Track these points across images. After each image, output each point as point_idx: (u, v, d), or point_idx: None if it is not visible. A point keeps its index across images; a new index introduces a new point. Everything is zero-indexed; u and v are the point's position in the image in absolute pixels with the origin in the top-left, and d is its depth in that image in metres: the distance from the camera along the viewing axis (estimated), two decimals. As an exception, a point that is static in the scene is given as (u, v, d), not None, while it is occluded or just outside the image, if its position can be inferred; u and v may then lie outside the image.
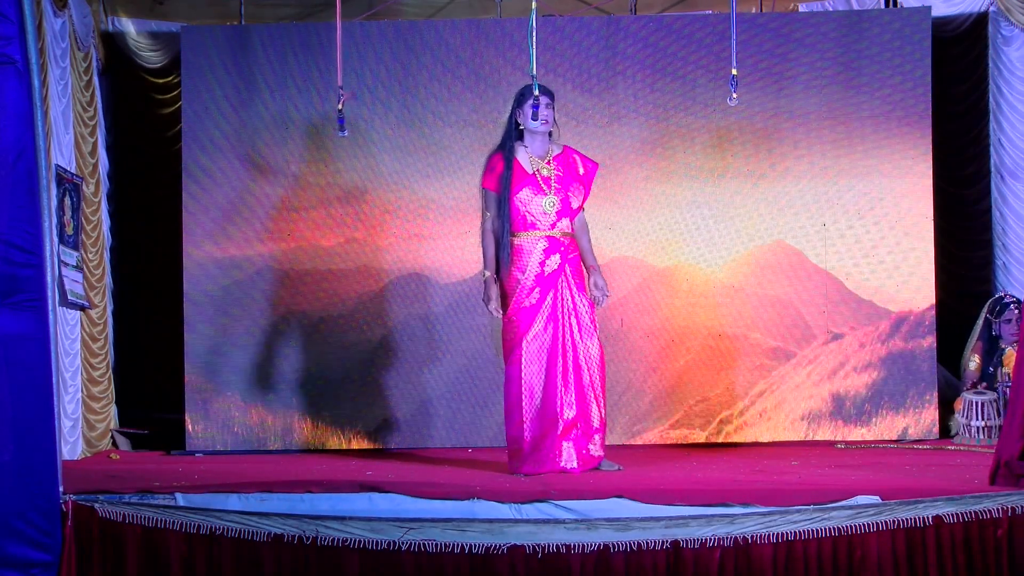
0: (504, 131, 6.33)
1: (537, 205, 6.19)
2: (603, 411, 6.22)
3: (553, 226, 6.20)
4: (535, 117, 6.09)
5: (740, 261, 7.95)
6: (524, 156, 6.25)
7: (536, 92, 5.93)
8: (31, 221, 4.80)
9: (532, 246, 6.19)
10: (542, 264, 6.18)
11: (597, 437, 6.19)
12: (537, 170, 6.22)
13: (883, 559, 4.72)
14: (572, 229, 6.27)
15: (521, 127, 6.26)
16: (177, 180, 8.01)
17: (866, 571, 4.71)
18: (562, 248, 6.22)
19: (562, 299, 6.17)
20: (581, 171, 6.32)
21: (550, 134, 6.29)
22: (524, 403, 6.13)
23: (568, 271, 6.21)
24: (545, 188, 6.19)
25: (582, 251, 6.32)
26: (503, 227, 6.21)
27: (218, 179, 7.97)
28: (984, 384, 7.61)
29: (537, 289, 6.17)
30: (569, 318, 6.17)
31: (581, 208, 6.33)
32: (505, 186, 6.20)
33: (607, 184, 7.91)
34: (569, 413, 6.10)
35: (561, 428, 6.09)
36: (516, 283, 6.18)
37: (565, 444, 6.09)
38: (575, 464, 6.07)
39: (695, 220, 7.95)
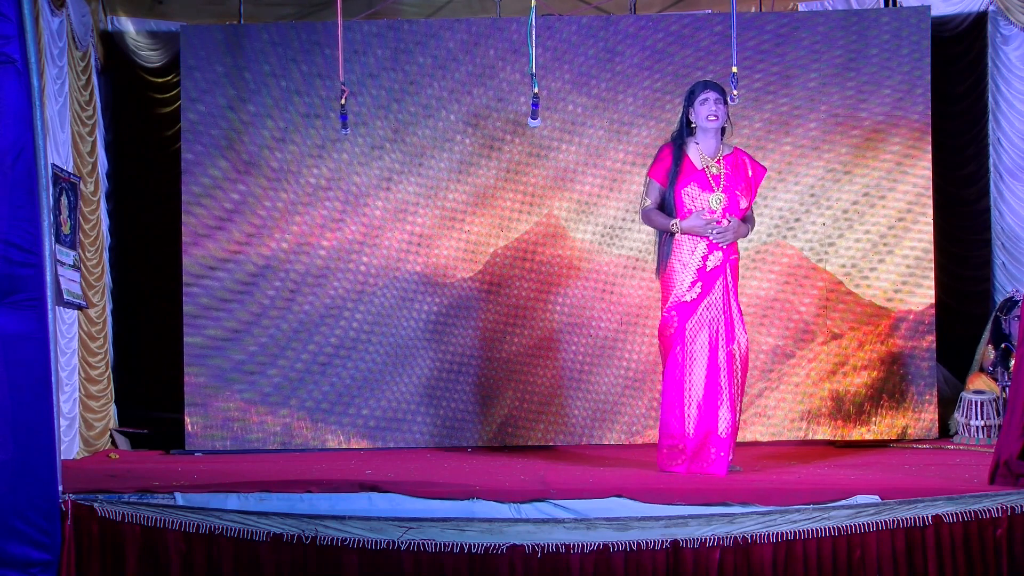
0: (676, 127, 6.27)
1: (704, 201, 6.14)
2: (739, 414, 6.17)
3: (719, 223, 6.13)
4: (534, 116, 5.99)
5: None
6: (695, 152, 6.21)
7: (536, 89, 5.89)
8: (30, 220, 4.79)
9: (695, 241, 6.13)
10: (704, 259, 6.13)
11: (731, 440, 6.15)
12: (706, 167, 6.17)
13: (883, 559, 4.72)
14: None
15: (693, 124, 6.22)
16: (177, 179, 8.01)
17: (866, 571, 4.71)
18: (725, 247, 6.18)
19: (723, 297, 6.12)
20: (750, 173, 6.26)
21: (723, 132, 6.24)
22: (687, 401, 6.07)
23: (728, 271, 6.17)
24: (714, 185, 6.14)
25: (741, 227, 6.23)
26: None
27: (217, 178, 7.97)
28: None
29: (699, 284, 6.12)
30: (726, 317, 6.11)
31: (748, 209, 6.27)
32: (672, 180, 6.17)
33: (607, 184, 7.92)
34: (725, 415, 6.04)
35: (720, 429, 6.04)
36: (676, 276, 6.14)
37: (722, 445, 6.04)
38: (725, 468, 6.04)
39: (694, 219, 7.95)
